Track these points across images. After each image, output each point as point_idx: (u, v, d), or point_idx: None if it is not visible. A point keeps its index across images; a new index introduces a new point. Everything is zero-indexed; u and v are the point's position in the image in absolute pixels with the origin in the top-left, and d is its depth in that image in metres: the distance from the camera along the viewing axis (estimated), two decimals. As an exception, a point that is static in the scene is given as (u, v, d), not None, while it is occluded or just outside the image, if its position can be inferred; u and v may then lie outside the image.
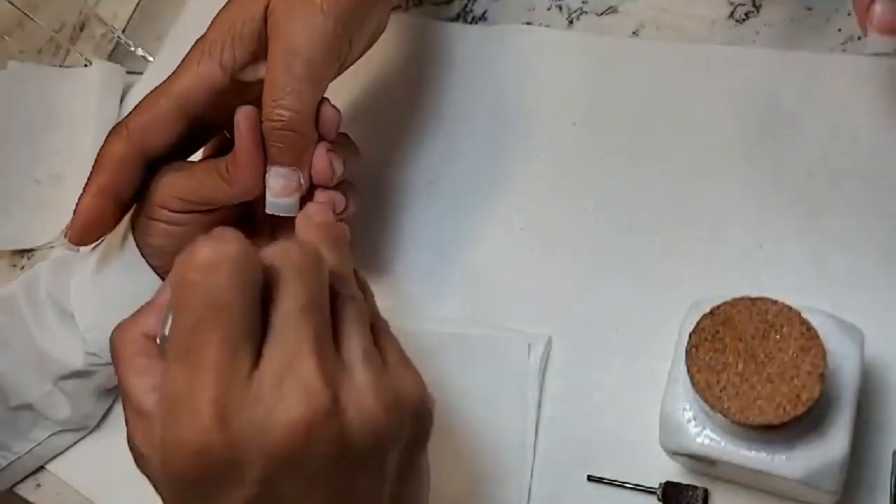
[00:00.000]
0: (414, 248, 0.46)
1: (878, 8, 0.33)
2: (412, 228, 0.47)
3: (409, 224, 0.47)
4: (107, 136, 0.40)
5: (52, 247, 0.54)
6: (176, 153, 0.40)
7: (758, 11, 0.45)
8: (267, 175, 0.38)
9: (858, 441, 0.32)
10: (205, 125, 0.41)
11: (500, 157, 0.47)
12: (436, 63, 0.50)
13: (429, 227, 0.46)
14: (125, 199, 0.40)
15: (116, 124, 0.40)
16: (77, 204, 0.39)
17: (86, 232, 0.40)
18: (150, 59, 0.60)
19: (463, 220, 0.46)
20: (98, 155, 0.40)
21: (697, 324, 0.32)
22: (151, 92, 0.40)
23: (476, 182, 0.47)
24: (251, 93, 0.39)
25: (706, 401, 0.30)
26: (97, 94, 0.57)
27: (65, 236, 0.42)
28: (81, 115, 0.56)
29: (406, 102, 0.50)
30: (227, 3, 0.40)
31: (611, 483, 0.38)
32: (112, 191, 0.39)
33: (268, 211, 0.38)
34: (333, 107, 0.39)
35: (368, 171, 0.49)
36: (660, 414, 0.34)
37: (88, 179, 0.40)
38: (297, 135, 0.37)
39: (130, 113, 0.40)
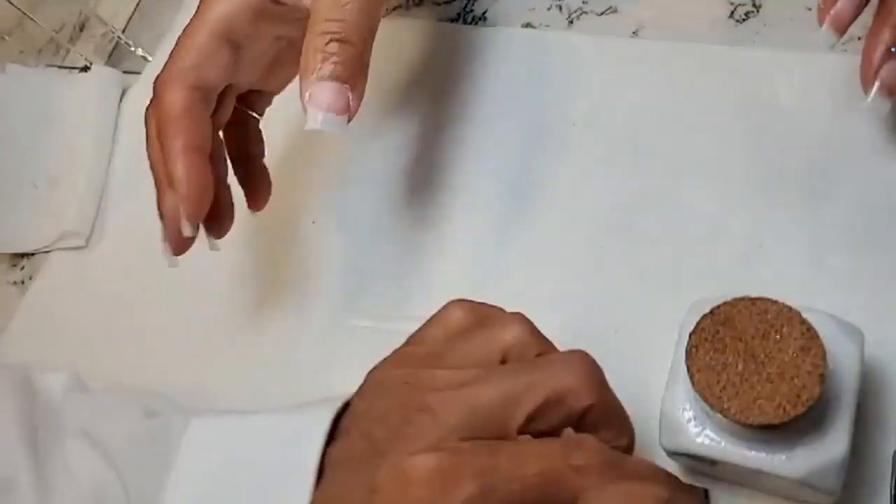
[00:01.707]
0: (412, 248, 0.46)
1: (838, 5, 0.35)
2: (409, 228, 0.47)
3: (406, 224, 0.47)
4: (156, 95, 0.36)
5: (48, 251, 0.54)
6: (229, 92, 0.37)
7: (758, 11, 0.45)
8: (311, 89, 0.34)
9: (858, 441, 0.32)
10: (251, 58, 0.38)
11: (498, 157, 0.47)
12: (435, 63, 0.50)
13: (426, 228, 0.46)
14: (209, 150, 0.36)
15: (159, 77, 0.37)
16: (162, 184, 0.36)
17: (200, 198, 0.36)
18: (150, 59, 0.60)
19: (461, 221, 0.46)
20: (161, 120, 0.36)
21: (697, 324, 0.32)
22: (186, 28, 0.37)
23: (474, 182, 0.47)
24: (292, 17, 0.37)
25: (706, 401, 0.30)
26: (95, 98, 0.57)
27: (166, 248, 0.38)
28: (79, 119, 0.56)
29: (406, 102, 0.50)
30: None
31: (611, 483, 0.37)
32: (199, 146, 0.36)
33: (315, 126, 0.34)
34: None
35: (365, 171, 0.49)
36: (660, 414, 0.34)
37: (164, 146, 0.35)
38: (353, 48, 0.34)
39: (172, 59, 0.37)
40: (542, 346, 0.31)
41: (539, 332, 0.32)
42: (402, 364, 0.31)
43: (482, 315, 0.32)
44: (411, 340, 0.33)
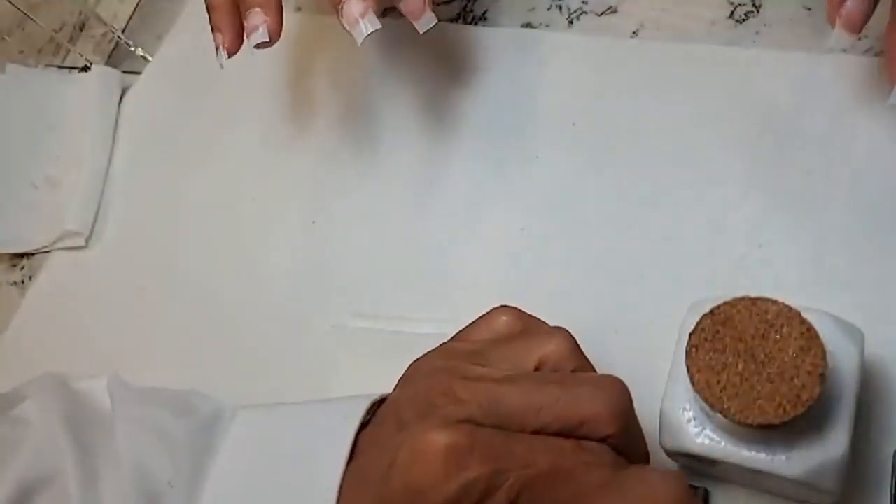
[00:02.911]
0: (411, 248, 0.46)
1: (848, 4, 0.35)
2: (410, 229, 0.47)
3: (406, 224, 0.47)
4: None
5: (48, 251, 0.54)
6: None
7: (758, 11, 0.45)
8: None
9: (858, 441, 0.32)
10: None
11: (498, 157, 0.47)
12: (435, 63, 0.50)
13: (426, 228, 0.46)
14: None
15: None
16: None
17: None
18: (150, 59, 0.60)
19: (461, 221, 0.46)
20: None
21: (697, 324, 0.32)
22: None
23: (475, 182, 0.47)
24: None
25: (706, 401, 0.30)
26: (95, 98, 0.57)
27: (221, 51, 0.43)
28: (79, 119, 0.56)
29: (405, 102, 0.50)
30: None
31: (611, 483, 0.37)
32: None
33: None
34: None
35: (365, 171, 0.49)
36: (659, 414, 0.34)
37: None
38: None
39: None
40: (580, 363, 0.31)
41: (579, 349, 0.32)
42: (442, 356, 0.32)
43: (527, 323, 0.33)
44: (456, 337, 0.34)
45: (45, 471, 0.32)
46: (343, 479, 0.29)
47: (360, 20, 0.40)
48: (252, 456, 0.32)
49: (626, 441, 0.30)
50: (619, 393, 0.30)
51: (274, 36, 0.42)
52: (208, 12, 0.44)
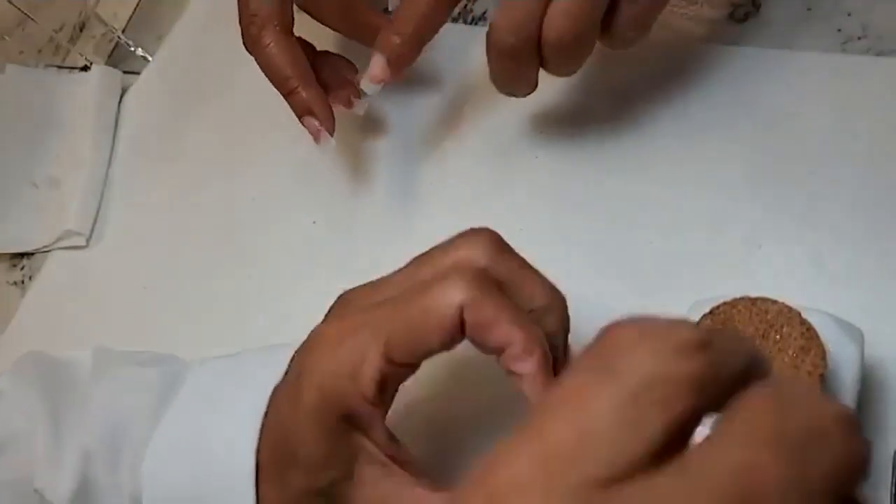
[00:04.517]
0: (412, 248, 0.46)
1: (374, 59, 0.41)
2: (410, 228, 0.47)
3: (405, 225, 0.47)
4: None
5: (48, 251, 0.54)
6: None
7: (758, 11, 0.45)
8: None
9: (858, 441, 0.32)
10: None
11: (498, 156, 0.47)
12: (435, 63, 0.50)
13: (426, 228, 0.46)
14: None
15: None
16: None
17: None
18: (150, 59, 0.60)
19: (461, 221, 0.46)
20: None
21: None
22: None
23: (474, 182, 0.47)
24: None
25: (706, 401, 0.30)
26: (95, 98, 0.57)
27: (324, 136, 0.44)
28: (79, 119, 0.57)
29: (405, 102, 0.50)
30: None
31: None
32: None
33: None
34: None
35: (365, 171, 0.49)
36: (660, 414, 0.34)
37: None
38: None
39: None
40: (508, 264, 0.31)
41: (504, 249, 0.32)
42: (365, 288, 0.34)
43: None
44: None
45: (13, 430, 0.34)
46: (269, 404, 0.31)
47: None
48: (196, 402, 0.34)
49: (508, 271, 0.31)
50: (486, 235, 0.31)
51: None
52: (286, 98, 0.44)
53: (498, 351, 0.29)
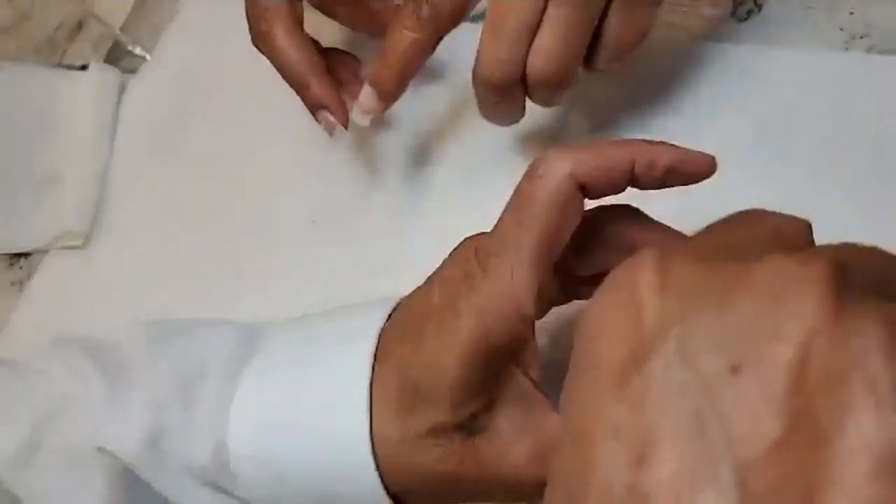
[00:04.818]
0: (412, 247, 0.46)
1: (364, 89, 0.42)
2: (409, 228, 0.46)
3: (406, 224, 0.47)
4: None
5: (46, 250, 0.54)
6: None
7: (759, 10, 0.45)
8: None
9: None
10: None
11: (498, 156, 0.47)
12: (434, 62, 0.50)
13: (426, 228, 0.46)
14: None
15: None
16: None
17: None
18: (148, 57, 0.59)
19: (463, 220, 0.46)
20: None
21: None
22: None
23: (474, 182, 0.46)
24: None
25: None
26: (93, 96, 0.57)
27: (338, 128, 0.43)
28: (77, 117, 0.56)
29: (404, 102, 0.50)
30: None
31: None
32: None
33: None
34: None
35: (365, 171, 0.49)
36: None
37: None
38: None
39: None
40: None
41: None
42: None
43: None
44: None
45: (68, 394, 0.32)
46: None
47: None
48: (287, 351, 0.33)
49: None
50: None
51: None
52: (300, 93, 0.44)
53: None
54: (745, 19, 0.45)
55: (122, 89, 0.58)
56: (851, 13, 0.43)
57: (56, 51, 0.61)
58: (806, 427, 0.16)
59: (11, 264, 0.55)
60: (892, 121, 0.40)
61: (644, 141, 0.30)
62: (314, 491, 0.30)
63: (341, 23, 0.48)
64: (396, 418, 0.29)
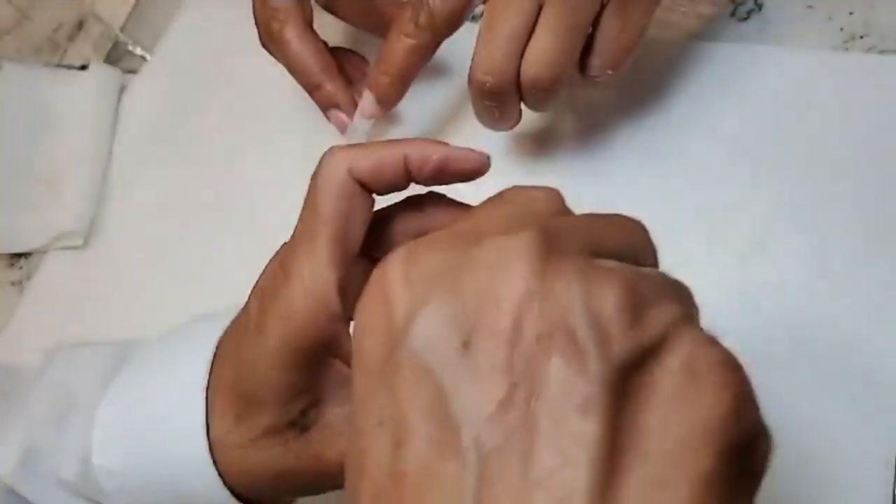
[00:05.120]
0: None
1: (364, 96, 0.42)
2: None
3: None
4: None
5: (46, 250, 0.54)
6: None
7: (759, 10, 0.45)
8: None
9: (859, 441, 0.32)
10: None
11: (497, 156, 0.47)
12: (434, 62, 0.50)
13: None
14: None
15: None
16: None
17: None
18: (148, 57, 0.59)
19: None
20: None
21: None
22: None
23: (475, 181, 0.46)
24: None
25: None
26: (93, 96, 0.57)
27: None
28: (78, 117, 0.56)
29: (404, 102, 0.50)
30: None
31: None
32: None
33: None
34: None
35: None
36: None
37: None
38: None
39: None
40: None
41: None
42: None
43: None
44: None
45: None
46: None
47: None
48: (144, 363, 0.33)
49: None
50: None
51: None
52: (311, 92, 0.45)
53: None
54: (746, 19, 0.45)
55: (122, 89, 0.58)
56: (851, 13, 0.43)
57: (56, 51, 0.61)
58: (524, 384, 0.18)
59: (11, 264, 0.55)
60: (892, 120, 0.40)
61: (419, 140, 0.31)
62: (169, 499, 0.31)
63: (347, 22, 0.48)
64: (234, 425, 0.30)
